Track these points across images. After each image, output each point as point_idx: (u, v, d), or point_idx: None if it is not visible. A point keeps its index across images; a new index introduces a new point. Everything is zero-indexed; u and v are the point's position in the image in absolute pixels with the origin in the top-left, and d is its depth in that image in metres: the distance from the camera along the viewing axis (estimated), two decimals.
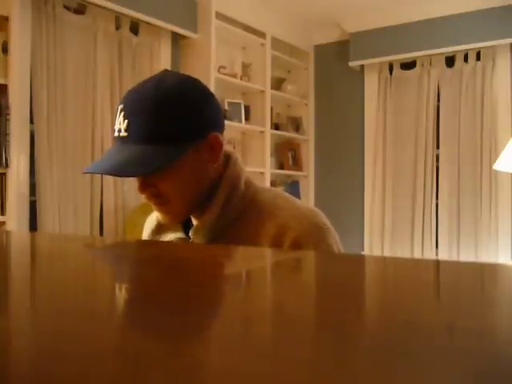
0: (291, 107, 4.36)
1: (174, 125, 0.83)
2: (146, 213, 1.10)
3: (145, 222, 1.08)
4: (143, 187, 0.87)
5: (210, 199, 0.91)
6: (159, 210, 0.91)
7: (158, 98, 0.83)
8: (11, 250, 0.70)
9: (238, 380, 0.19)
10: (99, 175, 2.77)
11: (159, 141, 0.83)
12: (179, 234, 0.97)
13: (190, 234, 0.93)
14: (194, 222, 0.95)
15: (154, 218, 1.00)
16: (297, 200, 0.97)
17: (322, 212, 0.94)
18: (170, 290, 0.38)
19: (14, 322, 0.29)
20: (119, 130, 0.85)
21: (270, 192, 0.97)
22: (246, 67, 3.77)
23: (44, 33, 2.54)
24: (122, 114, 0.85)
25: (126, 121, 0.84)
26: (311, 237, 0.88)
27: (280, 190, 1.01)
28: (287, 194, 0.99)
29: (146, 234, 1.05)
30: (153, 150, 0.83)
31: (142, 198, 0.92)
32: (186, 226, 0.97)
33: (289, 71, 4.35)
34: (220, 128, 0.91)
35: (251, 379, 0.19)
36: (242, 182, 0.93)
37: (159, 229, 0.99)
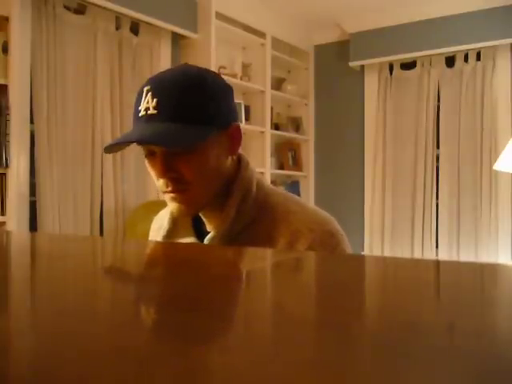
0: (291, 107, 4.36)
1: (202, 108, 0.84)
2: (146, 213, 1.09)
3: (145, 222, 1.07)
4: (165, 170, 0.85)
5: (223, 203, 0.90)
6: (176, 199, 0.88)
7: (189, 80, 0.85)
8: (11, 250, 0.70)
9: (241, 380, 0.19)
10: (99, 175, 2.76)
11: (187, 121, 0.83)
12: (192, 239, 0.95)
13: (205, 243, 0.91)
14: (208, 226, 0.94)
15: (165, 223, 0.98)
16: (307, 203, 0.96)
17: None
18: (174, 290, 0.38)
19: (14, 322, 0.29)
20: (147, 109, 0.84)
21: (281, 195, 0.96)
22: (245, 67, 3.76)
23: (44, 33, 2.54)
24: (150, 93, 0.85)
25: (156, 99, 0.84)
26: (324, 244, 0.87)
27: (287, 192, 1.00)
28: (297, 197, 0.98)
29: (154, 236, 1.03)
30: (184, 128, 0.83)
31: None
32: (199, 231, 0.96)
33: (289, 71, 4.35)
34: (239, 120, 0.93)
35: (253, 379, 0.19)
36: (254, 185, 0.92)
37: (171, 234, 0.97)
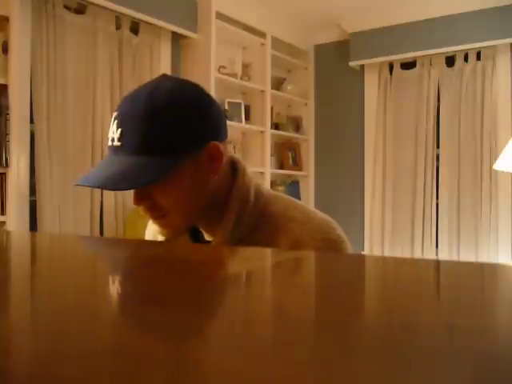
0: (291, 107, 4.36)
1: (168, 135, 0.79)
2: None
3: (145, 222, 1.06)
4: (139, 200, 0.83)
5: (220, 216, 0.87)
6: (157, 223, 0.87)
7: (152, 106, 0.79)
8: (11, 250, 0.70)
9: (241, 380, 0.19)
10: None
11: (153, 152, 0.79)
12: None
13: None
14: (206, 235, 0.92)
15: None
16: (307, 209, 0.92)
17: (323, 212, 0.93)
18: (172, 289, 0.38)
19: (14, 322, 0.29)
20: (112, 140, 0.82)
21: (281, 202, 0.92)
22: (245, 67, 3.77)
23: (44, 33, 2.54)
24: (116, 122, 0.81)
25: (120, 130, 0.80)
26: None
27: (292, 198, 0.96)
28: (298, 203, 0.94)
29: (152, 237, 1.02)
30: (146, 162, 0.79)
31: None
32: (196, 240, 0.95)
33: (289, 71, 4.36)
34: (221, 137, 0.85)
35: (254, 379, 0.19)
36: (252, 194, 0.88)
37: None
